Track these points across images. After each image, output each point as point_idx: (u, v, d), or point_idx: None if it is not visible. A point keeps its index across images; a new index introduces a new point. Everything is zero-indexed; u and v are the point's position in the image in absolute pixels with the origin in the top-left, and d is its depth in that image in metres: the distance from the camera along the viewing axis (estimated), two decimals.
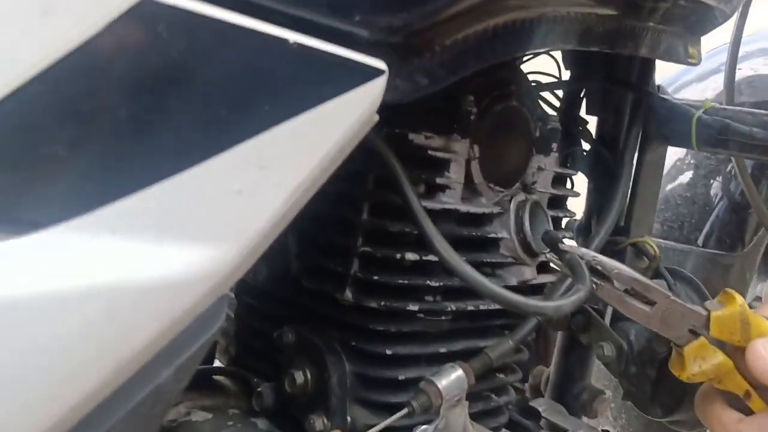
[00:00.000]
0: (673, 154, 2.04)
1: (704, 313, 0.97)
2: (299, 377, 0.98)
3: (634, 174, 1.34)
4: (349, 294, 0.96)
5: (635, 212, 1.35)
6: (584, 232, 1.39)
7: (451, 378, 0.94)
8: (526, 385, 1.49)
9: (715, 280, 1.79)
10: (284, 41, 0.59)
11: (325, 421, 0.96)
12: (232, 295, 1.14)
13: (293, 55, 0.60)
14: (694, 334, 0.97)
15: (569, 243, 1.06)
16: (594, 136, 1.39)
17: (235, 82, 0.58)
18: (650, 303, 0.96)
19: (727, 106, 1.24)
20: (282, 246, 1.04)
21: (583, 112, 1.40)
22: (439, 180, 0.99)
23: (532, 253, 1.08)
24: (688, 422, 1.25)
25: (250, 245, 0.62)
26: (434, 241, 0.87)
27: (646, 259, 1.26)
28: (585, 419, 1.36)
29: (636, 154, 1.32)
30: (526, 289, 1.15)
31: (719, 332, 0.96)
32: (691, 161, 1.97)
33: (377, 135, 0.88)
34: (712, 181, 1.90)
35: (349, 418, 0.98)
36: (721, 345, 0.98)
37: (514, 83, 1.08)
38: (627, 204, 1.35)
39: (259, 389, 1.03)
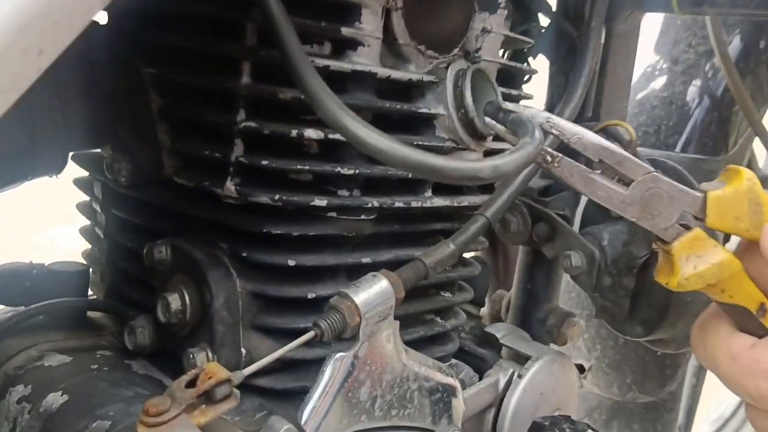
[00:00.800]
0: (643, 60, 1.81)
1: (699, 194, 0.73)
2: (174, 302, 0.74)
3: (603, 49, 1.11)
4: (231, 186, 0.72)
5: (605, 96, 1.12)
6: None
7: (372, 290, 0.71)
8: (483, 312, 1.27)
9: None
10: None
11: (210, 354, 0.72)
12: (99, 211, 0.90)
13: None
14: (686, 227, 0.73)
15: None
16: (554, 8, 1.16)
17: None
18: (625, 182, 0.72)
19: None
20: (149, 133, 0.79)
21: None
22: (345, 31, 0.74)
23: (477, 135, 0.85)
24: (675, 340, 1.04)
25: None
26: (314, 93, 0.62)
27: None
28: (552, 346, 1.15)
29: (603, 26, 1.08)
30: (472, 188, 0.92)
31: (720, 219, 0.71)
32: (664, 65, 1.75)
33: None
34: (685, 88, 1.67)
35: (243, 350, 0.75)
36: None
37: None
38: (596, 87, 1.12)
39: (130, 323, 0.80)
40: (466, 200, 0.88)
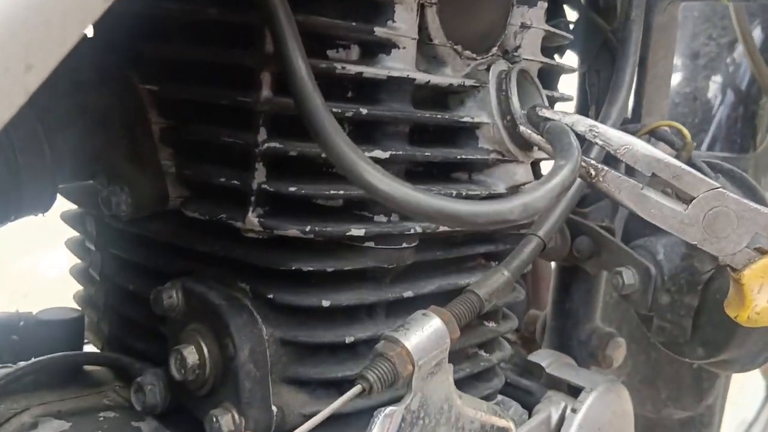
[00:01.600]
0: None
1: None
2: (191, 355, 0.63)
3: (642, 44, 1.01)
4: (253, 219, 0.61)
5: (646, 94, 1.02)
6: None
7: (425, 332, 0.60)
8: (516, 335, 1.17)
9: (727, 187, 1.48)
10: None
11: (236, 416, 0.61)
12: (94, 250, 0.78)
13: None
14: (760, 251, 0.63)
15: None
16: (583, 1, 1.06)
17: None
18: (685, 199, 0.62)
19: None
20: (150, 160, 0.68)
21: None
22: (379, 32, 0.64)
23: (525, 144, 0.75)
24: (740, 360, 0.94)
25: None
26: (318, 123, 0.52)
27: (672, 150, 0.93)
28: (596, 370, 1.05)
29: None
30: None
31: None
32: (684, 61, 1.66)
33: None
34: (708, 82, 1.58)
35: (275, 408, 0.64)
36: None
37: None
38: (635, 85, 1.02)
39: (138, 380, 0.68)
40: None
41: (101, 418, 0.70)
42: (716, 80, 1.54)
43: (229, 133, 0.62)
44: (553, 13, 1.00)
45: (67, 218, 0.83)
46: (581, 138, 0.64)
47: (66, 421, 0.69)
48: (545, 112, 0.65)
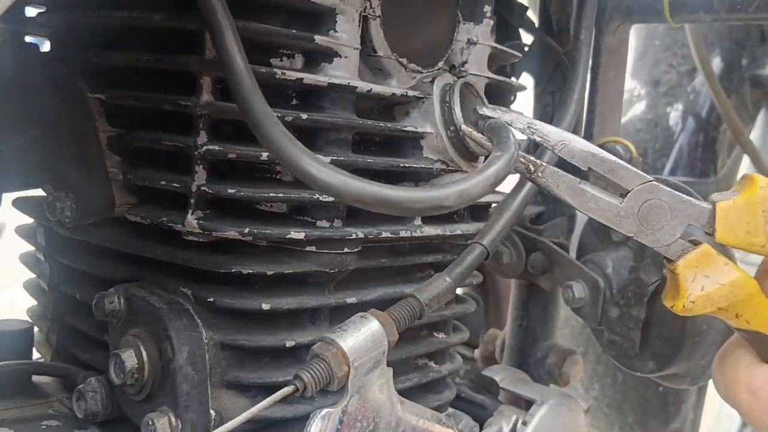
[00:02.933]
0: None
1: (707, 205, 0.64)
2: (129, 359, 0.63)
3: (593, 65, 1.04)
4: (192, 220, 0.62)
5: (597, 113, 1.04)
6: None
7: (362, 333, 0.61)
8: (476, 354, 1.17)
9: None
10: None
11: (173, 420, 0.61)
12: (43, 260, 0.79)
13: None
14: (693, 240, 0.64)
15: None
16: (537, 24, 1.09)
17: None
18: (620, 193, 0.63)
19: None
20: (97, 167, 0.69)
21: None
22: (320, 40, 0.65)
23: (469, 155, 0.76)
24: (689, 374, 0.95)
25: None
26: (255, 115, 0.53)
27: None
28: (553, 387, 1.05)
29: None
30: (469, 210, 0.83)
31: (731, 233, 0.61)
32: (644, 89, 1.69)
33: None
34: (669, 109, 1.61)
35: (213, 412, 0.64)
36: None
37: None
38: (587, 104, 1.04)
39: (79, 387, 0.68)
40: (459, 228, 0.79)
41: (44, 427, 0.70)
42: (677, 107, 1.58)
43: (171, 138, 0.63)
44: (509, 36, 1.02)
45: (21, 232, 0.83)
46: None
47: (8, 428, 0.68)
48: (485, 111, 0.66)
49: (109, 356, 0.65)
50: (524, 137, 0.64)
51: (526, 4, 1.08)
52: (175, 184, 0.63)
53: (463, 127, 0.69)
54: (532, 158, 0.63)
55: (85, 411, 0.68)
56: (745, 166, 1.63)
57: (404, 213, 0.57)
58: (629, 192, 0.62)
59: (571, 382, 1.08)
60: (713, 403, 1.91)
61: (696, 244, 0.63)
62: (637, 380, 1.49)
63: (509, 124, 0.64)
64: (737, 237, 0.62)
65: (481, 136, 0.67)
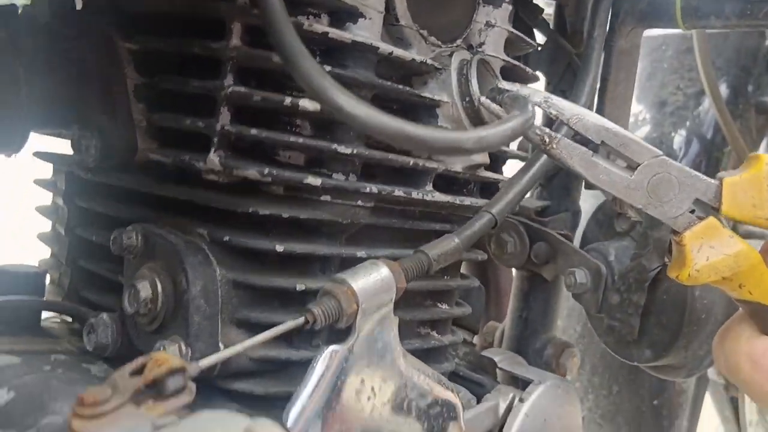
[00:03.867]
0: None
1: (714, 181, 0.67)
2: (144, 289, 0.65)
3: (603, 66, 1.07)
4: (214, 158, 0.65)
5: (606, 114, 1.07)
6: None
7: (372, 277, 0.63)
8: (475, 341, 1.18)
9: None
10: None
11: (183, 347, 0.63)
12: (62, 204, 0.81)
13: None
14: (699, 215, 0.67)
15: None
16: (551, 26, 1.12)
17: None
18: (631, 166, 0.66)
19: None
20: (123, 111, 0.71)
21: None
22: None
23: (479, 122, 0.79)
24: (686, 365, 0.96)
25: None
26: (287, 45, 0.56)
27: None
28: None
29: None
30: (472, 179, 0.85)
31: (737, 207, 0.64)
32: (647, 115, 1.73)
33: None
34: (674, 129, 1.64)
35: (222, 346, 0.65)
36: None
37: None
38: (596, 105, 1.07)
39: (91, 320, 0.70)
40: (468, 200, 0.81)
41: (52, 359, 0.71)
42: (682, 128, 1.61)
43: (198, 81, 0.66)
44: (523, 34, 1.06)
45: (41, 182, 0.86)
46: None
47: (16, 356, 0.70)
48: (503, 84, 0.69)
49: (124, 288, 0.67)
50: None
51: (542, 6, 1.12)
52: (200, 124, 0.65)
53: (482, 99, 0.72)
54: (547, 130, 0.66)
55: (95, 344, 0.69)
56: None
57: (424, 149, 0.60)
58: (639, 165, 0.65)
59: (568, 374, 1.09)
60: (713, 417, 1.91)
61: (702, 217, 0.66)
62: (632, 392, 1.50)
63: (527, 97, 0.67)
64: (743, 211, 0.65)
65: (499, 108, 0.70)
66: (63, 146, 0.79)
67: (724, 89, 1.61)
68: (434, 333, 0.84)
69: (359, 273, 0.63)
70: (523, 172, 0.79)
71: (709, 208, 0.66)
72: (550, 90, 1.12)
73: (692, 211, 0.65)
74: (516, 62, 0.89)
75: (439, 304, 0.85)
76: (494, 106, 0.71)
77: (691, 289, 0.91)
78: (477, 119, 0.78)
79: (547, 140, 0.67)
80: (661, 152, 0.66)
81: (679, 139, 1.61)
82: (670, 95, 1.64)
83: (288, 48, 0.55)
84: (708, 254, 0.65)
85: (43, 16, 0.72)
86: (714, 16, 0.97)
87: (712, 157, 1.59)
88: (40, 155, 0.81)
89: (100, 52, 0.72)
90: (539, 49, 1.12)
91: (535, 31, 1.12)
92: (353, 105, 0.54)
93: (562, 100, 0.68)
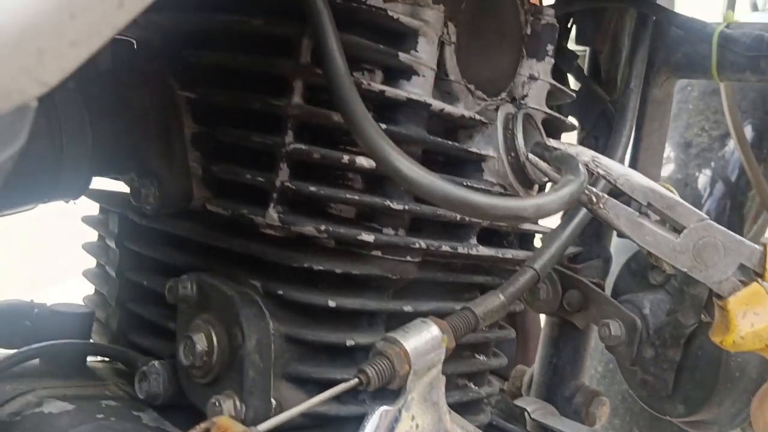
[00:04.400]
0: None
1: (759, 247, 0.68)
2: (200, 342, 0.66)
3: (638, 115, 1.08)
4: (273, 214, 0.66)
5: (639, 161, 1.08)
6: None
7: (423, 336, 0.64)
8: (504, 387, 1.19)
9: None
10: None
11: (237, 403, 0.64)
12: (113, 247, 0.82)
13: None
14: (743, 280, 0.68)
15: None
16: (586, 72, 1.13)
17: None
18: (677, 229, 0.67)
19: (756, 21, 0.99)
20: (180, 160, 0.73)
21: (571, 44, 1.15)
22: (403, 57, 0.70)
23: (526, 181, 0.80)
24: (718, 422, 0.96)
25: None
26: (356, 119, 0.57)
27: None
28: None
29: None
30: (519, 238, 0.86)
31: None
32: (671, 154, 1.74)
33: None
34: (699, 171, 1.66)
35: (273, 401, 0.66)
36: None
37: None
38: (630, 151, 1.08)
39: (143, 368, 0.71)
40: (510, 253, 0.82)
41: (103, 405, 0.72)
42: (707, 170, 1.62)
43: (258, 135, 0.67)
44: (558, 80, 1.07)
45: (89, 221, 0.87)
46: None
47: (70, 403, 0.71)
48: (552, 142, 0.70)
49: (178, 339, 0.68)
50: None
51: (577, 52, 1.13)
52: (260, 179, 0.66)
53: (530, 156, 0.73)
54: (595, 190, 0.67)
55: (147, 392, 0.70)
56: None
57: (484, 217, 0.61)
58: (685, 228, 0.66)
59: (597, 423, 1.09)
60: None
61: (746, 282, 0.67)
62: None
63: (575, 156, 0.68)
64: None
65: (547, 165, 0.71)
66: (107, 183, 0.80)
67: (749, 131, 1.62)
68: (472, 384, 0.85)
69: (410, 332, 0.64)
70: (564, 225, 0.80)
71: (753, 273, 0.67)
72: (583, 136, 1.13)
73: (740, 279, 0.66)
74: (557, 115, 0.90)
75: (477, 355, 0.86)
76: (542, 164, 0.72)
77: None
78: (521, 174, 0.79)
79: (595, 200, 0.68)
80: (706, 216, 0.67)
81: (703, 180, 1.62)
82: (695, 136, 1.65)
83: (353, 114, 0.57)
84: (752, 321, 0.66)
85: (105, 63, 0.73)
86: (750, 71, 0.98)
87: (736, 201, 1.59)
88: (93, 196, 0.83)
89: (159, 100, 0.74)
90: (574, 95, 1.14)
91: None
92: (418, 174, 0.55)
93: (609, 160, 0.69)
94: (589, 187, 0.68)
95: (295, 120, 0.66)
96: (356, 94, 0.58)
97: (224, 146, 0.71)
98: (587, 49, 1.14)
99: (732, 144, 1.59)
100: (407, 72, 0.71)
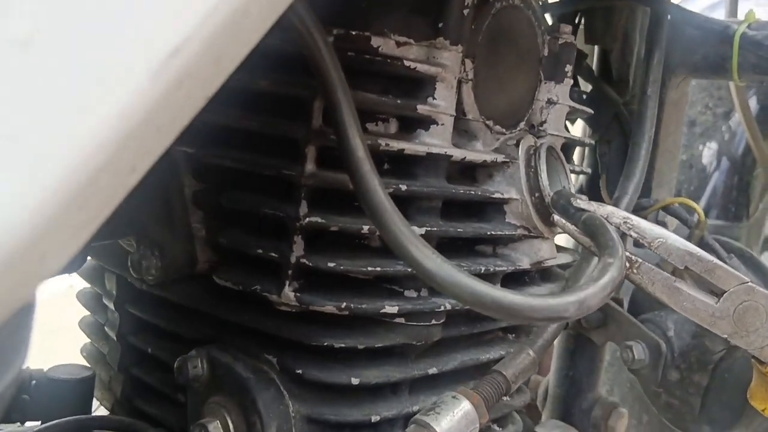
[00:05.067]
0: None
1: None
2: (216, 430, 0.61)
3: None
4: (290, 293, 0.60)
5: (657, 166, 1.03)
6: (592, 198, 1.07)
7: (456, 416, 0.59)
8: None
9: None
10: None
11: None
12: (112, 308, 0.77)
13: None
14: None
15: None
16: (597, 73, 1.08)
17: None
18: (716, 293, 0.63)
19: None
20: (182, 223, 0.67)
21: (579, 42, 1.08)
22: (421, 109, 0.64)
23: (551, 222, 0.75)
24: None
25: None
26: (375, 202, 0.52)
27: (685, 226, 0.94)
28: None
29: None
30: (539, 272, 0.82)
31: None
32: None
33: (321, 38, 0.53)
34: (702, 147, 1.61)
35: None
36: None
37: None
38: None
39: None
40: (534, 291, 0.78)
41: None
42: (712, 148, 1.57)
43: (270, 204, 0.61)
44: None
45: (84, 273, 0.81)
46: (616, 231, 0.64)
47: None
48: (580, 203, 0.65)
49: (191, 424, 0.63)
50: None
51: (585, 51, 1.07)
52: (273, 254, 0.61)
53: (556, 218, 0.68)
54: (628, 254, 0.63)
55: None
56: None
57: (523, 321, 0.56)
58: (725, 292, 0.62)
59: None
60: None
61: None
62: (662, 423, 1.49)
63: (605, 219, 0.63)
64: None
65: (576, 230, 0.66)
66: None
67: (753, 104, 1.58)
68: (495, 426, 0.81)
69: (442, 413, 0.59)
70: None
71: None
72: (596, 140, 1.08)
73: None
74: (576, 137, 0.85)
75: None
76: (570, 228, 0.67)
77: None
78: (546, 214, 0.74)
79: (628, 265, 0.63)
80: (747, 279, 0.63)
81: (709, 159, 1.58)
82: (699, 115, 1.60)
83: (378, 208, 0.51)
84: None
85: None
86: None
87: (743, 180, 1.55)
88: (91, 253, 0.77)
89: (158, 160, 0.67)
90: (584, 97, 1.08)
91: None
92: (450, 275, 0.50)
93: (642, 221, 0.64)
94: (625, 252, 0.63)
95: (309, 188, 0.60)
96: (375, 179, 0.52)
97: (233, 209, 0.66)
98: (596, 48, 1.08)
99: (736, 119, 1.54)
100: (425, 122, 0.65)
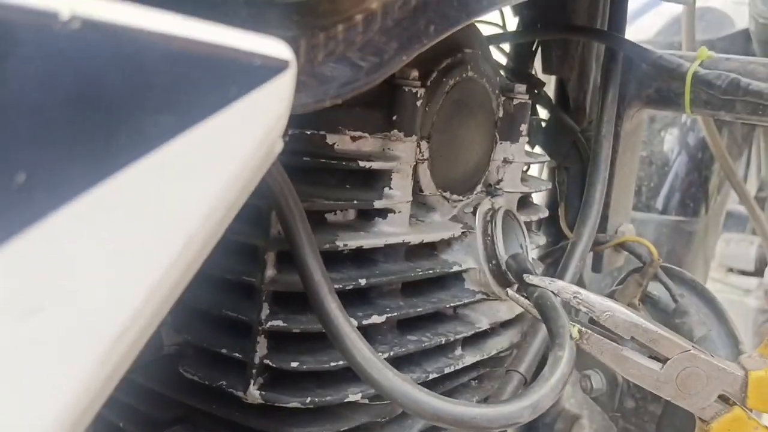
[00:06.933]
0: None
1: (740, 373, 0.69)
2: None
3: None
4: (254, 392, 0.63)
5: (613, 196, 1.06)
6: (551, 228, 1.10)
7: None
8: None
9: (679, 250, 1.55)
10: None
11: None
12: None
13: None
14: (725, 403, 0.69)
15: (538, 273, 0.73)
16: (554, 101, 1.09)
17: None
18: (661, 359, 0.67)
19: (731, 56, 0.95)
20: None
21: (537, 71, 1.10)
22: (378, 204, 0.65)
23: (506, 283, 0.78)
24: None
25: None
26: (334, 328, 0.55)
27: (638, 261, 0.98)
28: None
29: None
30: (497, 329, 0.85)
31: (762, 401, 0.68)
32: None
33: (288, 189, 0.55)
34: (664, 134, 1.63)
35: None
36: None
37: (467, 44, 0.75)
38: None
39: None
40: (494, 348, 0.81)
41: None
42: (671, 143, 1.60)
43: (233, 307, 0.63)
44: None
45: None
46: (566, 304, 0.67)
47: None
48: (532, 279, 0.68)
49: None
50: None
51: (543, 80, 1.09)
52: (237, 354, 0.63)
53: (510, 293, 0.70)
54: (580, 327, 0.66)
55: None
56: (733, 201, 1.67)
57: (480, 431, 0.59)
58: (669, 360, 0.66)
59: None
60: None
61: (729, 406, 0.68)
62: None
63: (555, 294, 0.66)
64: (767, 404, 0.68)
65: (529, 304, 0.68)
66: None
67: None
68: None
69: None
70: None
71: (735, 399, 0.68)
72: (553, 166, 1.10)
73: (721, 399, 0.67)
74: (532, 190, 0.87)
75: None
76: (523, 301, 0.70)
77: None
78: (502, 279, 0.77)
79: (578, 336, 0.67)
80: (689, 346, 0.67)
81: (668, 155, 1.61)
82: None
83: (337, 333, 0.54)
84: None
85: None
86: (725, 111, 0.95)
87: (702, 175, 1.59)
88: None
89: None
90: (543, 125, 1.10)
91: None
92: (409, 393, 0.53)
93: (591, 295, 0.67)
94: (575, 324, 0.66)
95: (270, 292, 0.62)
96: (335, 302, 0.54)
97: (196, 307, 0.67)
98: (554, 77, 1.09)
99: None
100: (383, 211, 0.67)
